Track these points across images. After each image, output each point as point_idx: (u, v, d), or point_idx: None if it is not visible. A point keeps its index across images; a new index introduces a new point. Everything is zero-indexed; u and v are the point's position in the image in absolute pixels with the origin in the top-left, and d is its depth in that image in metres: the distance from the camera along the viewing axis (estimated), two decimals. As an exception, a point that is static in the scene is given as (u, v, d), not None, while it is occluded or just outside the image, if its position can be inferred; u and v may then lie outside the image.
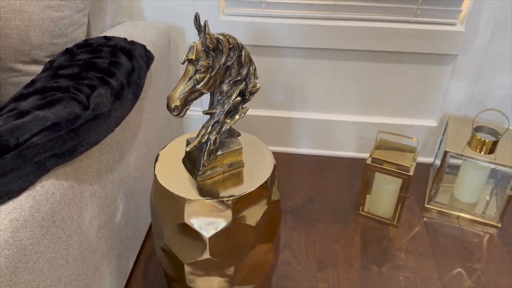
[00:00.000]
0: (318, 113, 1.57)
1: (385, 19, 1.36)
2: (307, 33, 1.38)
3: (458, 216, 1.37)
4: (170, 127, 1.35)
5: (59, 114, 0.76)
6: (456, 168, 1.43)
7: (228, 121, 0.87)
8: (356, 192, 1.45)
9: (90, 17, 1.15)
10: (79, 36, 1.08)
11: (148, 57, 1.08)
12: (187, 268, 0.92)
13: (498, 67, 1.39)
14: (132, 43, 1.06)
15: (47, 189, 0.69)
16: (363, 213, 1.36)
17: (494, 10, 1.28)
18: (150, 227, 1.30)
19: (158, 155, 0.96)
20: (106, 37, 1.05)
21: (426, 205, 1.40)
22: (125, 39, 1.07)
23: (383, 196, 1.30)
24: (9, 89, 1.04)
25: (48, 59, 1.03)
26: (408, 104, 1.51)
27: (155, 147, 1.21)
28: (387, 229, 1.32)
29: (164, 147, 0.98)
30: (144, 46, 1.08)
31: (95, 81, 0.88)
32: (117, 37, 1.06)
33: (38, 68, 1.03)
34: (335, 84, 1.50)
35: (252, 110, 1.58)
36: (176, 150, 0.97)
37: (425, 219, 1.36)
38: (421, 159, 1.58)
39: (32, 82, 0.88)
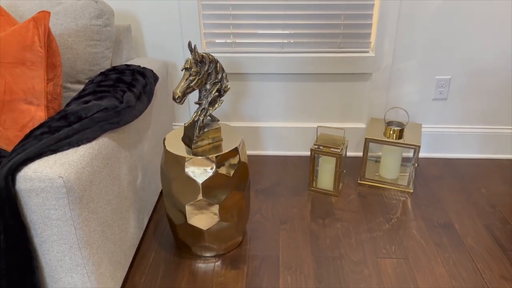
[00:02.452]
0: (279, 122, 2.08)
1: (319, 51, 1.92)
2: (265, 63, 1.92)
3: (384, 188, 1.86)
4: (170, 128, 1.84)
5: (107, 103, 1.25)
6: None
7: (211, 108, 1.37)
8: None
9: (112, 54, 1.67)
10: (107, 65, 1.59)
11: (155, 77, 1.59)
12: (187, 208, 1.37)
13: (403, 80, 1.95)
14: (144, 68, 1.57)
15: (104, 142, 1.17)
16: (313, 188, 1.84)
17: (391, 40, 1.85)
18: (157, 203, 1.75)
19: (165, 138, 1.44)
20: (127, 65, 1.56)
21: (359, 181, 1.89)
22: (139, 66, 1.58)
23: (325, 174, 1.79)
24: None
25: (87, 80, 1.53)
26: (342, 111, 2.04)
27: (159, 142, 1.69)
28: (330, 198, 1.80)
29: (168, 132, 1.47)
30: (152, 70, 1.59)
31: (124, 89, 1.38)
32: (134, 65, 1.57)
33: (80, 86, 1.52)
34: (289, 100, 2.03)
35: (228, 122, 2.08)
36: (177, 134, 1.46)
37: (358, 190, 1.85)
38: (356, 153, 2.10)
39: (84, 90, 1.38)
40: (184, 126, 1.38)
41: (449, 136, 2.05)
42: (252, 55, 1.92)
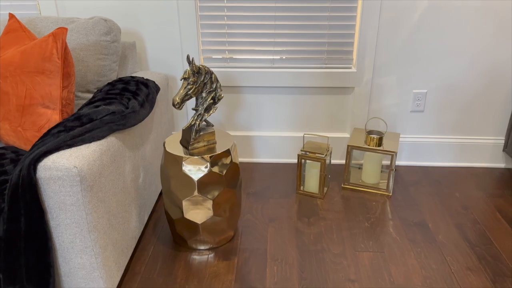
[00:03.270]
0: (269, 131, 2.25)
1: (306, 66, 2.11)
2: (257, 77, 2.11)
3: (365, 192, 2.02)
4: (168, 135, 2.00)
5: (114, 108, 1.42)
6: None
7: (206, 114, 1.54)
8: (297, 182, 2.10)
9: (119, 67, 1.85)
10: (113, 77, 1.77)
11: (157, 88, 1.77)
12: (184, 203, 1.53)
13: (383, 93, 2.13)
14: (147, 80, 1.75)
15: (112, 141, 1.34)
16: (300, 192, 2.00)
17: (371, 57, 2.04)
18: (156, 203, 1.90)
19: (165, 141, 1.61)
20: (132, 76, 1.74)
21: (343, 186, 2.05)
22: (143, 77, 1.76)
23: (311, 178, 1.95)
24: (72, 108, 1.70)
25: (95, 90, 1.71)
26: (328, 122, 2.22)
27: (159, 146, 1.86)
28: (316, 200, 1.95)
29: (168, 137, 1.63)
30: (154, 81, 1.77)
31: (130, 96, 1.56)
32: (138, 76, 1.75)
33: (89, 95, 1.70)
34: (279, 111, 2.20)
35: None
36: (175, 138, 1.62)
37: (342, 194, 2.01)
38: (341, 161, 2.27)
39: (94, 97, 1.55)
40: (182, 130, 1.55)
41: (427, 145, 2.22)
42: (245, 69, 2.11)
